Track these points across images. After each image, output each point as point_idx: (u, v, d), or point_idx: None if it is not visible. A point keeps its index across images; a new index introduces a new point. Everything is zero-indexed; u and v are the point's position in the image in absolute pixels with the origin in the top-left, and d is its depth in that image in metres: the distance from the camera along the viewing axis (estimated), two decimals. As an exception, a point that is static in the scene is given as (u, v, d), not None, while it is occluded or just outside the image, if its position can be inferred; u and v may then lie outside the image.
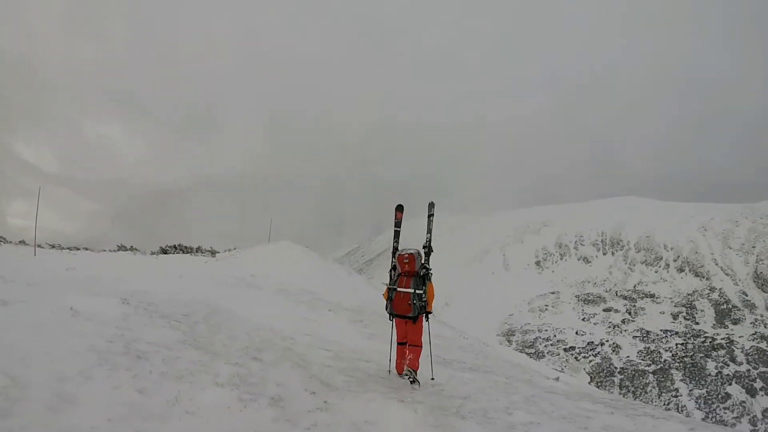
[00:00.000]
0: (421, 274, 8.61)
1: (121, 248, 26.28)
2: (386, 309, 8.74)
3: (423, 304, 8.43)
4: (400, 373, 8.92)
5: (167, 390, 6.32)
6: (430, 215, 9.69)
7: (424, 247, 9.09)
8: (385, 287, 9.02)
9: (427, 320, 8.80)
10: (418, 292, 8.40)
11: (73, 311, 8.48)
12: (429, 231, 9.43)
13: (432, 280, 8.76)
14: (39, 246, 22.07)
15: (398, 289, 8.52)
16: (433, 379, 9.33)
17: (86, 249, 23.12)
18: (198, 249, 29.13)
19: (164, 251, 27.51)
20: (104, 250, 23.35)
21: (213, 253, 27.57)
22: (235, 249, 28.98)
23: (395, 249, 9.32)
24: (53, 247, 23.71)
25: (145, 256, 22.27)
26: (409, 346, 8.66)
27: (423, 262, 8.83)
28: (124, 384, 6.21)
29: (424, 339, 8.97)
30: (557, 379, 14.69)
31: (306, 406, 6.78)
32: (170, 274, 16.81)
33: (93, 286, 12.02)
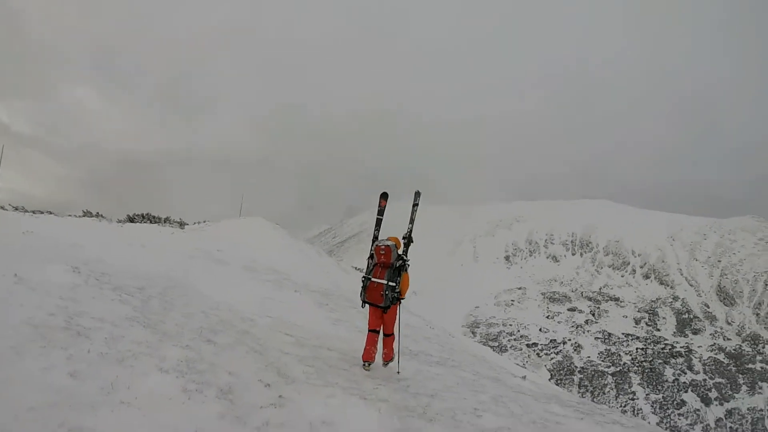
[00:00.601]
0: (397, 265, 8.57)
1: (87, 214, 25.15)
2: (360, 296, 8.71)
3: (396, 295, 8.50)
4: (366, 360, 8.77)
5: (104, 374, 5.57)
6: (415, 204, 9.65)
7: (404, 238, 9.09)
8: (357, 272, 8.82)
9: (399, 306, 8.87)
10: (390, 283, 8.39)
11: (17, 278, 7.72)
12: (411, 221, 9.38)
13: (408, 270, 8.76)
14: (2, 208, 21.06)
15: (372, 279, 8.51)
16: (398, 372, 9.09)
17: (50, 213, 22.07)
18: (167, 219, 28.11)
19: (131, 220, 26.45)
20: (69, 215, 22.31)
21: (182, 224, 26.58)
22: (205, 222, 28.07)
23: (375, 237, 9.18)
24: (16, 209, 22.61)
25: (111, 224, 21.27)
26: (384, 336, 8.87)
27: (401, 252, 8.83)
28: (56, 365, 5.46)
29: (395, 328, 9.06)
30: (524, 377, 14.25)
31: (258, 401, 6.03)
32: (133, 244, 15.87)
33: (47, 252, 11.09)
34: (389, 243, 8.55)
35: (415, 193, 9.76)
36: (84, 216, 24.14)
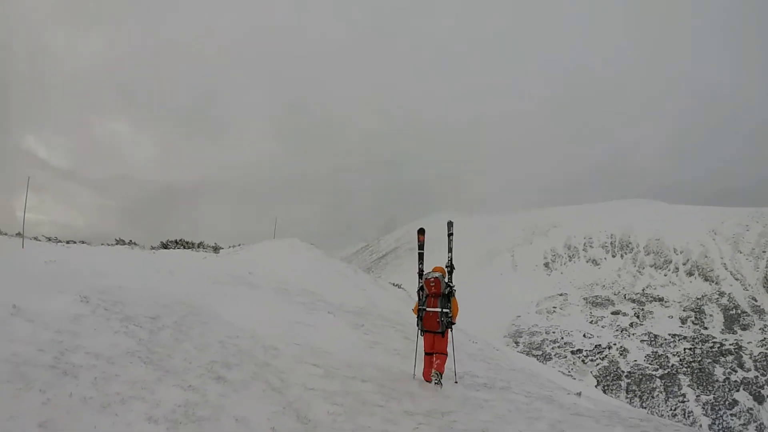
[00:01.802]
0: (446, 293, 9.41)
1: (120, 242, 24.47)
2: (417, 325, 9.58)
3: (449, 320, 9.32)
4: (426, 380, 9.37)
5: (80, 425, 4.52)
6: (450, 234, 10.48)
7: (447, 266, 9.90)
8: (414, 303, 10.43)
9: (452, 331, 9.67)
10: (444, 310, 9.27)
11: (15, 309, 6.96)
12: (450, 250, 10.23)
13: (456, 295, 9.55)
14: (35, 239, 20.49)
15: (427, 309, 9.36)
16: (456, 383, 9.77)
17: (83, 242, 21.44)
18: (200, 245, 27.31)
19: (165, 246, 25.70)
20: (102, 244, 21.65)
21: (216, 249, 25.72)
22: (239, 245, 27.18)
23: (421, 271, 10.05)
24: (50, 239, 22.02)
25: (143, 251, 20.57)
26: (436, 354, 9.36)
27: (447, 280, 9.59)
28: (27, 412, 4.57)
29: (449, 348, 9.70)
30: (579, 394, 12.86)
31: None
32: (160, 270, 15.00)
33: (63, 280, 10.35)
34: (437, 275, 9.43)
35: (448, 223, 10.74)
36: (117, 244, 23.52)
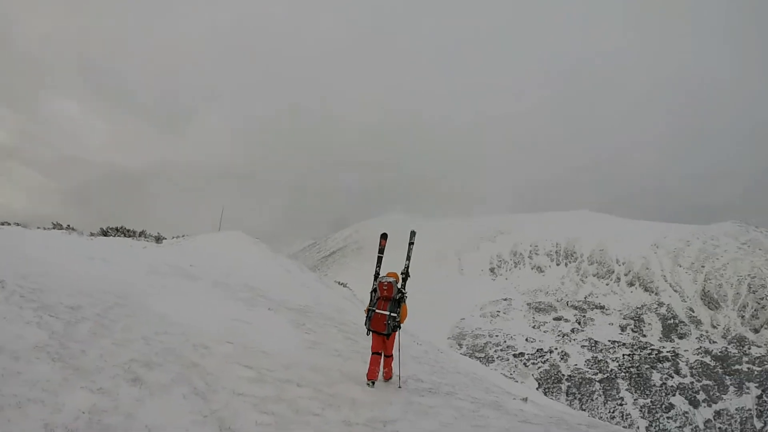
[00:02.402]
0: (397, 298, 9.55)
1: (57, 226, 23.21)
2: (365, 324, 9.60)
3: (396, 323, 9.46)
4: (371, 379, 9.37)
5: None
6: (411, 243, 10.71)
7: (402, 273, 10.07)
8: (366, 305, 10.44)
9: (399, 333, 9.83)
10: (392, 314, 9.38)
11: None
12: (408, 258, 10.38)
13: (406, 302, 9.76)
14: (-36, 218, 19.28)
15: (377, 310, 9.48)
16: (400, 387, 9.68)
17: (18, 225, 20.21)
18: (141, 233, 26.12)
19: (104, 233, 24.48)
20: (39, 228, 20.43)
21: (159, 239, 24.61)
22: (183, 236, 26.12)
23: (377, 274, 10.17)
24: (-21, 221, 20.78)
25: (81, 237, 19.42)
26: (384, 357, 9.69)
27: (399, 286, 9.73)
28: None
29: (395, 350, 10.01)
30: (526, 399, 12.44)
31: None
32: (94, 257, 14.06)
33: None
34: (391, 280, 9.58)
35: (411, 232, 10.88)
36: (54, 228, 22.33)
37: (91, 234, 21.95)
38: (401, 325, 9.65)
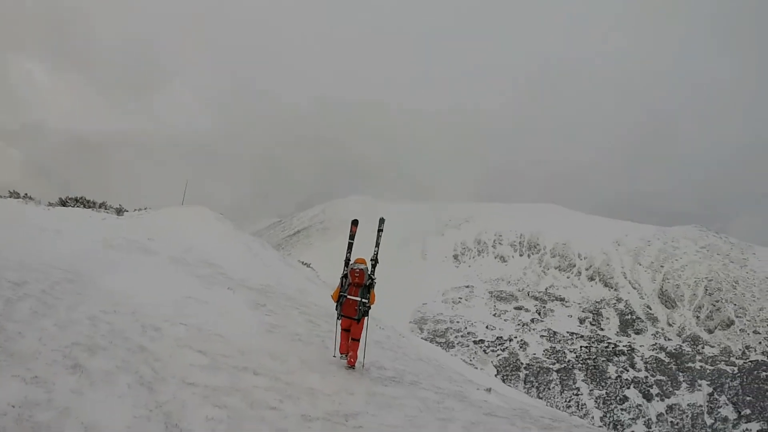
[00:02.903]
0: (367, 284, 9.86)
1: (14, 195, 22.13)
2: (336, 309, 9.92)
3: (366, 308, 9.78)
4: (342, 353, 10.03)
5: None
6: (380, 230, 11.10)
7: (372, 260, 10.26)
8: (332, 290, 10.86)
9: (368, 318, 10.01)
10: (363, 300, 9.72)
11: None
12: (377, 245, 10.65)
13: (374, 288, 10.05)
14: None
15: (348, 296, 9.77)
16: (363, 366, 10.08)
17: (-32, 194, 19.29)
18: (102, 205, 25.17)
19: (63, 203, 23.56)
20: (-7, 196, 19.49)
21: (120, 211, 23.71)
22: (145, 209, 25.22)
23: (347, 260, 10.35)
24: (-72, 189, 19.83)
25: (37, 207, 18.57)
26: (351, 341, 9.90)
27: (369, 273, 9.99)
28: None
29: (363, 334, 10.09)
30: (489, 390, 12.15)
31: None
32: (47, 229, 13.36)
33: None
34: (363, 267, 9.83)
35: (380, 219, 11.40)
36: (10, 197, 21.35)
37: (49, 204, 21.12)
38: (369, 309, 9.88)
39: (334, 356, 10.24)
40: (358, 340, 9.98)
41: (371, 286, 9.97)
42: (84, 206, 24.09)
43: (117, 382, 5.43)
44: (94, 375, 5.41)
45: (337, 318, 9.95)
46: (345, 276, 10.05)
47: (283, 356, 8.91)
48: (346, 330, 9.96)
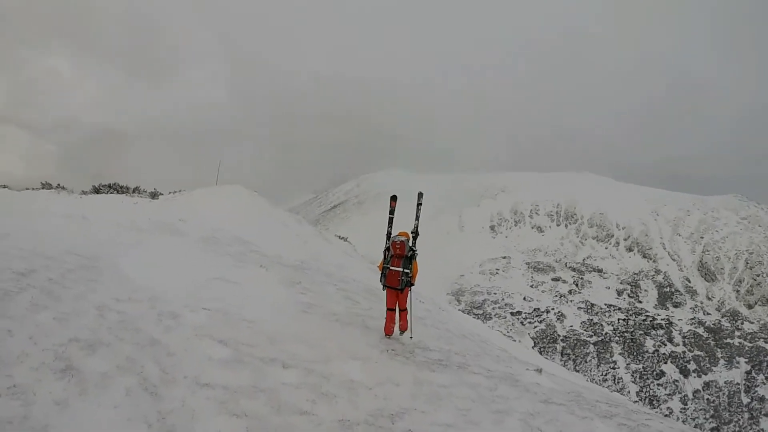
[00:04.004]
0: (408, 255, 10.04)
1: (46, 186, 21.75)
2: (380, 281, 10.13)
3: (409, 279, 9.96)
4: (387, 334, 10.20)
5: None
6: (419, 204, 11.32)
7: (412, 232, 10.52)
8: (376, 263, 11.50)
9: (411, 290, 10.25)
10: (405, 270, 9.92)
11: None
12: (417, 218, 10.88)
13: (417, 259, 10.27)
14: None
15: (391, 267, 9.98)
16: (411, 338, 10.35)
17: (5, 187, 18.97)
18: (135, 189, 24.73)
19: (97, 191, 23.18)
20: (27, 189, 19.06)
21: (155, 195, 23.12)
22: (179, 191, 24.60)
23: (389, 233, 10.65)
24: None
25: (69, 196, 17.96)
26: (399, 311, 10.19)
27: (411, 245, 10.21)
28: None
29: (408, 305, 10.33)
30: (540, 371, 11.18)
31: None
32: (73, 215, 12.62)
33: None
34: (403, 239, 10.03)
35: (418, 194, 11.62)
36: (43, 188, 20.94)
37: (83, 192, 20.64)
38: (413, 283, 10.11)
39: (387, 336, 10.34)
40: (406, 310, 10.26)
41: (413, 257, 10.20)
42: (117, 192, 23.63)
43: (114, 387, 4.51)
44: (88, 379, 4.50)
45: (382, 289, 10.23)
46: (387, 249, 10.28)
47: (319, 342, 8.01)
48: (390, 310, 10.17)
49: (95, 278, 7.69)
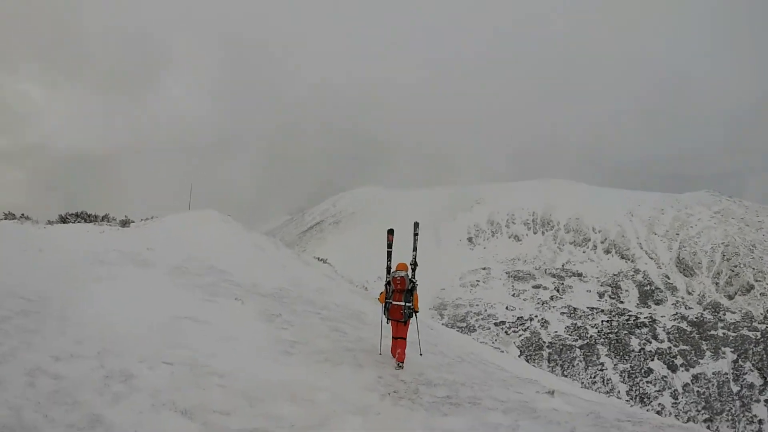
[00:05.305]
0: (409, 288, 10.21)
1: (9, 216, 20.24)
2: (383, 314, 10.32)
3: (411, 311, 10.07)
4: (394, 356, 10.14)
5: None
6: (415, 234, 11.45)
7: (411, 264, 10.74)
8: (380, 293, 10.72)
9: (416, 318, 10.36)
10: (407, 304, 10.03)
11: None
12: (414, 249, 11.20)
13: (417, 289, 10.37)
14: None
15: (393, 302, 10.18)
16: (421, 354, 10.48)
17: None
18: (104, 217, 23.36)
19: (63, 220, 21.86)
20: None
21: (125, 222, 21.74)
22: (152, 218, 23.21)
23: (389, 268, 10.89)
24: None
25: (33, 226, 16.55)
26: (398, 339, 10.14)
27: (410, 277, 10.44)
28: None
29: (413, 332, 10.40)
30: (552, 393, 10.04)
31: None
32: (28, 248, 11.28)
33: None
34: (403, 273, 10.24)
35: (414, 224, 11.72)
36: (5, 219, 19.46)
37: (48, 222, 19.22)
38: (416, 311, 10.21)
39: (380, 354, 10.38)
40: (405, 339, 10.21)
41: (413, 289, 10.27)
42: (85, 221, 22.28)
43: None
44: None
45: (386, 322, 10.34)
46: (388, 283, 10.46)
47: (308, 393, 6.70)
48: (396, 338, 10.18)
49: (35, 328, 6.36)
